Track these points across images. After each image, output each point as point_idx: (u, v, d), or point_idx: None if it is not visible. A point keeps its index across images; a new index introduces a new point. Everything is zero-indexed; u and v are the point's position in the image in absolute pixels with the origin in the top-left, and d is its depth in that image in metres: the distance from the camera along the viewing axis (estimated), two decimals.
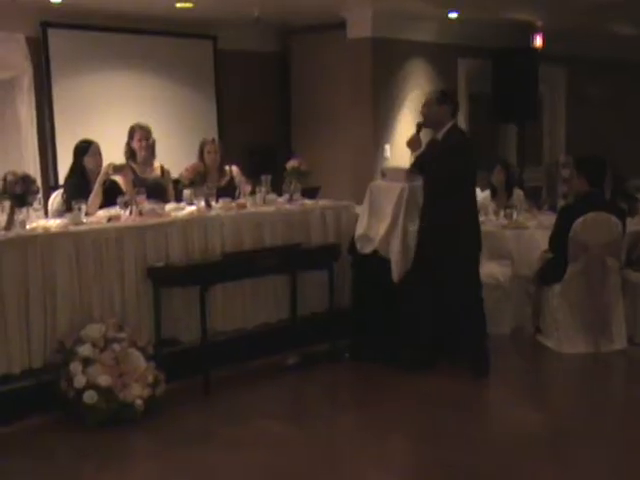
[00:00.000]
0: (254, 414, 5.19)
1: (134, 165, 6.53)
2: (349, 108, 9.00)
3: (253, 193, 6.44)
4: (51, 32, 7.91)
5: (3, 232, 5.05)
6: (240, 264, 5.79)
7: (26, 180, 5.12)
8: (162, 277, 5.49)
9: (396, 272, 5.97)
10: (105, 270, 5.34)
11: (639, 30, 10.48)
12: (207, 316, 5.54)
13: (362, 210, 6.28)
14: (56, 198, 6.40)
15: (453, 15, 8.95)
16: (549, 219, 6.87)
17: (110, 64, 8.26)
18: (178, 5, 7.83)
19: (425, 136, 6.07)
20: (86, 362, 4.96)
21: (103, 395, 4.90)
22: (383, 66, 8.89)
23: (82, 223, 5.41)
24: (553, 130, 11.29)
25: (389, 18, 8.71)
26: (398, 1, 8.17)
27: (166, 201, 6.33)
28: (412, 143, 5.97)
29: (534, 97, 9.80)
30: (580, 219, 6.21)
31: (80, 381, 4.91)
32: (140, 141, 6.52)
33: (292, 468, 4.44)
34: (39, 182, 7.40)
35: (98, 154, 6.18)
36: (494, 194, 7.61)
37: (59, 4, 7.45)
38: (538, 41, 9.94)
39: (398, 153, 9.00)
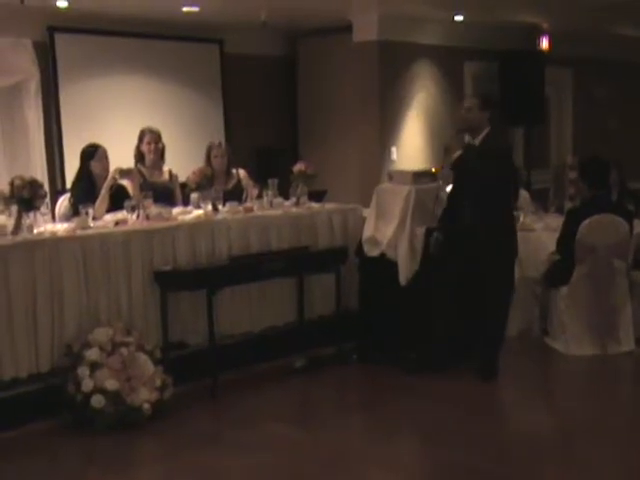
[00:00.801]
0: (262, 417, 5.19)
1: (142, 169, 6.54)
2: (356, 111, 9.00)
3: (260, 197, 6.45)
4: (58, 37, 7.93)
5: (11, 236, 5.06)
6: (247, 268, 5.80)
7: (33, 184, 5.13)
8: (169, 281, 5.50)
9: (403, 275, 5.97)
10: (112, 274, 5.35)
11: None
12: (214, 319, 5.55)
13: (369, 213, 6.28)
14: (63, 202, 6.41)
15: (459, 18, 8.95)
16: (556, 221, 6.86)
17: (117, 68, 8.28)
18: (185, 9, 7.85)
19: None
20: (94, 366, 4.97)
21: (111, 399, 4.91)
22: (389, 69, 8.90)
23: (89, 227, 5.42)
24: (560, 132, 11.27)
25: (395, 21, 8.72)
26: (404, 4, 8.17)
27: (173, 205, 6.34)
28: (451, 149, 5.87)
29: (541, 99, 9.80)
30: (587, 221, 6.20)
31: (88, 385, 4.92)
32: (149, 144, 6.54)
33: (300, 471, 4.45)
34: (46, 186, 7.44)
35: (105, 158, 6.19)
36: None
37: (66, 9, 7.46)
38: (544, 43, 9.93)
39: (405, 156, 9.02)
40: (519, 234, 6.75)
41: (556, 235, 6.48)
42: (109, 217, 5.75)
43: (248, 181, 6.83)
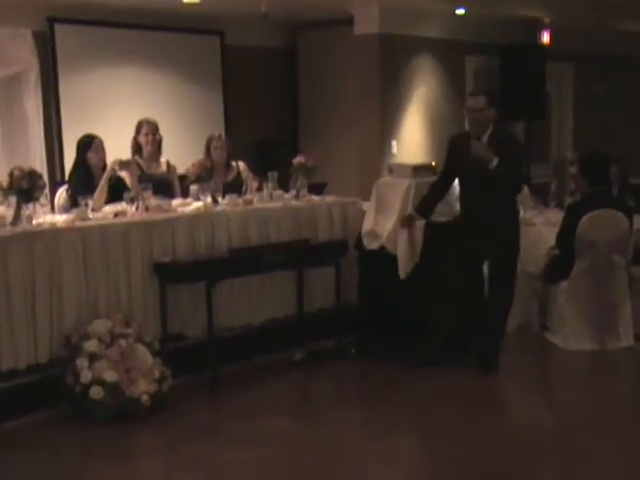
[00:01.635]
0: (261, 410, 5.18)
1: (140, 160, 6.52)
2: (356, 104, 8.98)
3: (260, 189, 6.43)
4: (58, 27, 7.89)
5: (10, 227, 5.05)
6: (246, 260, 5.79)
7: (32, 175, 5.12)
8: (168, 273, 5.49)
9: (403, 268, 5.96)
10: (111, 266, 5.34)
11: None
12: (213, 311, 5.54)
13: (369, 206, 6.27)
14: (62, 194, 6.39)
15: (460, 11, 8.93)
16: (556, 216, 6.86)
17: (117, 59, 8.24)
18: (185, 0, 7.82)
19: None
20: (92, 357, 4.96)
21: (109, 390, 4.91)
22: (390, 62, 8.87)
23: (88, 218, 5.41)
24: (561, 127, 11.26)
25: (396, 14, 8.69)
26: None
27: (172, 197, 6.33)
28: (486, 156, 5.55)
29: (542, 94, 9.78)
30: (587, 216, 6.20)
31: (86, 376, 4.91)
32: (147, 135, 6.51)
33: (299, 464, 4.44)
34: (46, 177, 7.43)
35: (101, 149, 6.18)
36: None
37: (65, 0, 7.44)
38: (546, 38, 9.92)
39: (405, 149, 9.01)
40: None
41: (556, 230, 6.47)
42: (108, 208, 5.73)
43: (248, 173, 6.81)
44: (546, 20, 9.82)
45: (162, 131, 6.64)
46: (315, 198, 6.56)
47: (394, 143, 8.96)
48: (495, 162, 5.46)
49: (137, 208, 5.72)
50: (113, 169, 6.08)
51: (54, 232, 5.14)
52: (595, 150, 6.97)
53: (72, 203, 5.91)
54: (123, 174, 6.20)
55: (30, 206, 5.17)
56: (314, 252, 6.21)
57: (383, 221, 6.11)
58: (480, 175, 5.52)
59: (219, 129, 8.08)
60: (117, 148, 6.42)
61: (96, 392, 4.88)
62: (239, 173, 6.81)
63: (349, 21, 8.85)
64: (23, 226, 5.08)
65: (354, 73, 8.97)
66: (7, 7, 7.30)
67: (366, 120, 8.92)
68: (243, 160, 6.96)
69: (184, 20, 8.47)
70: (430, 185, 5.93)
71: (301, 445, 4.68)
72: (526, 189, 7.85)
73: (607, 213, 6.29)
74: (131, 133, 6.64)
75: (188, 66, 8.77)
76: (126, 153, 6.45)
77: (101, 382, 4.91)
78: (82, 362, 4.94)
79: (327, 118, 9.36)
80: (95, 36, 8.10)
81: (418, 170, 6.19)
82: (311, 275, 6.27)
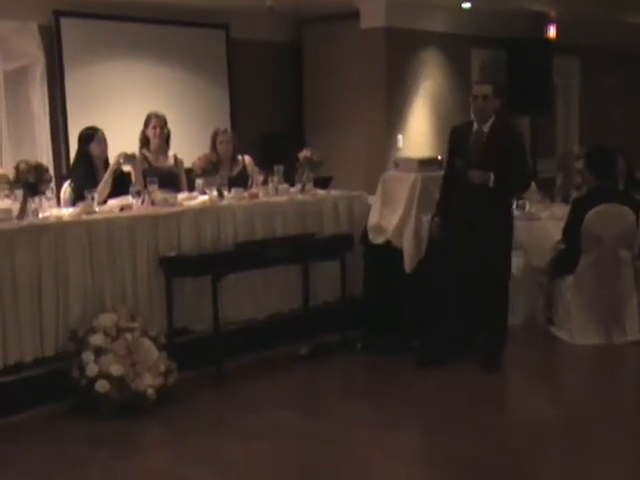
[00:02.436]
0: (266, 403, 5.19)
1: (147, 153, 6.54)
2: (362, 98, 8.97)
3: (265, 183, 6.43)
4: (64, 21, 7.89)
5: (16, 221, 5.06)
6: (252, 254, 5.80)
7: (38, 169, 5.12)
8: (174, 267, 5.49)
9: (408, 262, 5.96)
10: (117, 259, 5.35)
11: None
12: (219, 306, 5.54)
13: (375, 200, 6.27)
14: (67, 188, 6.41)
15: (466, 5, 8.90)
16: (562, 210, 6.85)
17: (122, 53, 8.24)
18: None
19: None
20: (98, 351, 4.97)
21: (115, 384, 4.92)
22: (396, 56, 8.86)
23: (95, 212, 5.41)
24: (567, 121, 11.23)
25: (402, 8, 8.67)
26: None
27: (179, 190, 6.33)
28: (483, 179, 5.55)
29: (548, 88, 9.76)
30: (593, 210, 6.19)
31: (92, 370, 4.92)
32: (155, 129, 6.53)
33: (304, 457, 4.45)
34: (51, 171, 7.44)
35: (103, 141, 6.20)
36: None
37: None
38: (552, 31, 9.89)
39: (411, 143, 9.00)
40: (524, 223, 6.80)
41: (562, 224, 6.46)
42: (114, 202, 5.74)
43: (253, 167, 6.82)
44: (552, 14, 9.79)
45: (168, 125, 6.64)
46: (321, 192, 6.56)
47: (400, 137, 8.95)
48: (492, 179, 5.51)
49: (143, 202, 5.72)
50: (118, 162, 6.09)
51: (60, 226, 5.15)
52: (601, 144, 6.96)
53: (76, 196, 5.92)
54: (127, 168, 6.21)
55: (36, 200, 5.18)
56: (320, 246, 6.21)
57: (389, 215, 6.10)
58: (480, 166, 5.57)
59: (224, 123, 8.09)
60: (123, 142, 6.42)
61: (102, 386, 4.89)
62: (245, 167, 6.81)
63: (355, 15, 8.83)
64: (29, 220, 5.08)
65: (360, 67, 8.95)
66: (13, 1, 7.31)
67: (372, 114, 8.91)
68: (249, 154, 6.96)
69: (190, 14, 8.46)
70: (441, 184, 5.89)
71: (306, 438, 4.69)
72: (532, 183, 7.85)
73: (613, 207, 6.28)
74: (137, 127, 6.65)
75: (194, 60, 8.76)
76: (132, 147, 6.45)
77: (107, 376, 4.91)
78: (88, 356, 4.95)
79: (333, 112, 9.35)
80: (101, 30, 8.09)
81: (424, 164, 6.18)
82: (317, 269, 6.28)
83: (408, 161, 6.40)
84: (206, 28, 8.84)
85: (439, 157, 6.61)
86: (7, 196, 5.25)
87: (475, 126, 5.67)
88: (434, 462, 4.46)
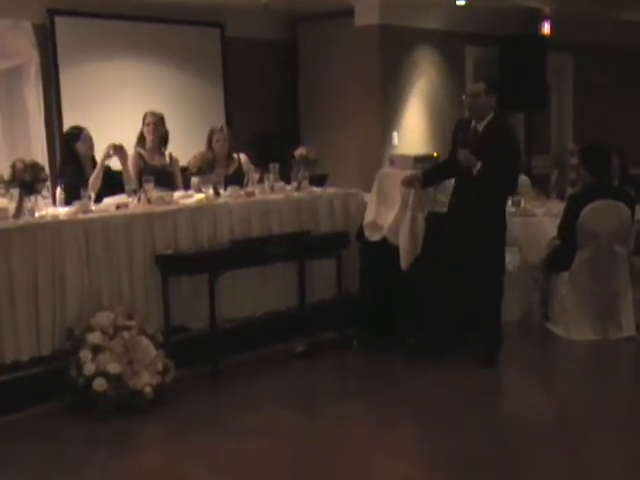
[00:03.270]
0: (263, 402, 5.19)
1: (142, 152, 6.54)
2: (357, 95, 8.98)
3: (261, 181, 6.44)
4: (58, 20, 7.89)
5: (12, 220, 5.05)
6: (248, 252, 5.79)
7: (35, 168, 5.12)
8: (171, 265, 5.50)
9: (404, 259, 5.96)
10: (114, 258, 5.34)
11: None
12: (216, 303, 5.54)
13: (370, 197, 6.28)
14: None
15: (461, 2, 8.91)
16: (557, 207, 6.86)
17: (117, 52, 8.24)
18: None
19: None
20: (96, 350, 4.97)
21: (113, 382, 4.92)
22: (391, 53, 8.87)
23: (91, 211, 5.41)
24: (561, 117, 11.24)
25: (397, 5, 8.68)
26: None
27: (174, 189, 6.34)
28: (470, 161, 5.61)
29: (542, 85, 9.76)
30: (588, 207, 6.20)
31: (90, 368, 4.92)
32: (149, 125, 6.55)
33: (300, 455, 4.45)
34: (47, 170, 7.44)
35: (89, 139, 6.25)
36: None
37: None
38: (546, 28, 9.90)
39: (406, 140, 9.01)
40: (520, 220, 6.81)
41: (557, 221, 6.47)
42: (110, 201, 5.74)
43: (249, 165, 6.83)
44: (546, 10, 9.80)
45: (165, 124, 6.64)
46: (316, 190, 6.57)
47: (395, 134, 8.96)
48: (478, 167, 5.54)
49: (139, 200, 5.72)
50: (108, 153, 6.12)
51: (56, 224, 5.15)
52: (595, 141, 6.97)
53: (67, 196, 5.93)
54: (114, 162, 6.23)
55: (32, 199, 5.18)
56: (316, 244, 6.22)
57: (385, 212, 6.11)
58: (467, 173, 5.59)
59: (220, 121, 8.08)
60: (117, 140, 6.40)
61: (99, 384, 4.89)
62: (240, 165, 6.82)
63: (349, 12, 8.84)
64: (25, 218, 5.08)
65: (355, 64, 8.96)
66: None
67: (367, 111, 8.92)
68: (244, 152, 6.96)
69: (184, 12, 8.46)
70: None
71: (303, 437, 4.69)
72: (527, 179, 7.87)
73: (609, 203, 6.29)
74: (131, 125, 6.70)
75: (189, 58, 8.77)
76: (126, 146, 6.44)
77: (104, 374, 4.91)
78: (85, 354, 4.95)
79: (328, 109, 9.36)
80: (95, 28, 8.10)
81: (419, 161, 6.19)
82: (313, 266, 6.28)
83: (404, 158, 6.40)
84: (201, 26, 8.84)
85: (435, 154, 6.63)
86: (3, 195, 5.24)
87: (473, 123, 5.70)
88: (432, 460, 4.46)
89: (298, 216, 6.26)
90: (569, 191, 7.42)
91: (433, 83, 9.38)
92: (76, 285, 5.17)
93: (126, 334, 5.08)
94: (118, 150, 6.20)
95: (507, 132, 5.89)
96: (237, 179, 6.55)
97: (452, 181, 5.93)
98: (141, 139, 6.58)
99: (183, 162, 6.66)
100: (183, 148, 6.94)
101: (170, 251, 5.55)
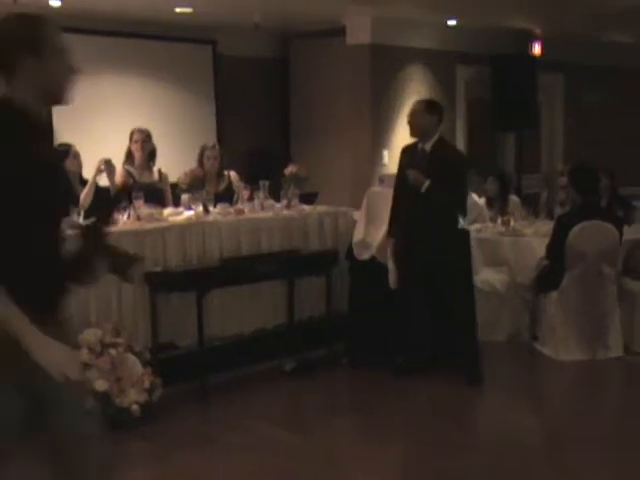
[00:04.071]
0: (251, 419, 5.18)
1: (131, 169, 6.55)
2: (348, 114, 9.01)
3: (251, 199, 6.44)
4: None
5: None
6: (237, 270, 5.80)
7: None
8: (159, 282, 5.48)
9: (393, 279, 5.97)
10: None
11: (637, 38, 10.52)
12: (204, 321, 5.54)
13: (360, 216, 6.29)
14: None
15: (452, 22, 8.97)
16: (546, 226, 6.88)
17: (109, 68, 8.26)
18: (178, 10, 7.85)
19: None
20: (83, 367, 4.95)
21: (99, 400, 4.88)
22: (382, 72, 8.91)
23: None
24: (551, 137, 11.30)
25: (388, 25, 8.73)
26: (397, 8, 8.19)
27: (164, 205, 6.34)
28: (418, 180, 5.69)
29: (533, 104, 9.82)
30: (577, 227, 6.22)
31: None
32: (137, 143, 6.55)
33: (288, 473, 4.44)
34: None
35: (78, 156, 6.27)
36: (489, 203, 7.63)
37: (59, 8, 7.45)
38: (537, 48, 9.97)
39: (396, 159, 9.00)
40: (509, 239, 6.83)
41: (546, 241, 6.49)
42: None
43: (239, 183, 6.83)
44: (537, 31, 9.87)
45: (154, 139, 6.65)
46: (306, 208, 6.56)
47: (385, 153, 8.99)
48: (426, 185, 5.58)
49: (129, 217, 5.72)
50: (100, 168, 6.14)
51: None
52: (584, 161, 7.01)
53: None
54: (102, 179, 6.25)
55: None
56: (305, 262, 6.22)
57: (374, 231, 6.12)
58: (416, 194, 5.63)
59: (211, 138, 8.12)
60: (109, 155, 6.41)
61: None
62: (231, 183, 6.82)
63: (341, 31, 8.88)
64: None
65: (346, 83, 8.99)
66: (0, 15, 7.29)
67: (358, 130, 8.95)
68: (235, 169, 6.97)
69: (177, 29, 8.50)
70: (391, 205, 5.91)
71: (290, 454, 4.68)
72: (517, 199, 7.91)
73: (597, 224, 6.31)
74: (122, 141, 6.67)
75: (181, 75, 8.80)
76: (117, 162, 6.45)
77: (91, 391, 4.89)
78: None
79: (319, 127, 9.39)
80: (87, 45, 8.06)
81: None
82: (302, 284, 6.28)
83: (393, 177, 6.40)
84: (193, 43, 8.88)
85: None
86: None
87: (420, 145, 5.75)
88: (417, 478, 4.47)
89: (287, 234, 6.26)
90: (558, 211, 7.46)
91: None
92: None
93: (113, 351, 5.07)
94: (106, 165, 6.21)
95: (455, 151, 5.98)
96: (227, 197, 6.55)
97: None
98: (129, 156, 6.59)
99: (174, 178, 6.67)
100: (174, 164, 6.94)
101: (159, 268, 5.54)
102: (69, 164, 6.19)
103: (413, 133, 5.84)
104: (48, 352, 2.47)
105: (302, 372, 5.99)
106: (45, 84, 2.59)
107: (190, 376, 5.51)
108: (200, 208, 6.02)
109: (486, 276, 6.67)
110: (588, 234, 6.25)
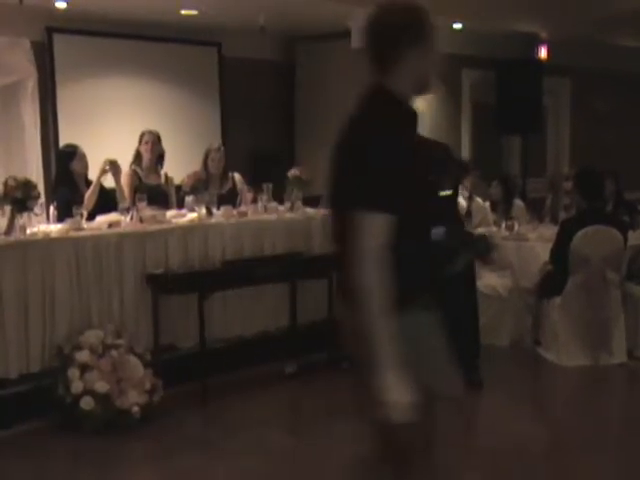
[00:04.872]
0: (252, 422, 5.18)
1: (139, 170, 6.56)
2: None
3: (255, 201, 6.44)
4: (56, 37, 7.93)
5: (3, 236, 5.06)
6: (239, 272, 5.80)
7: (27, 185, 5.13)
8: (161, 284, 5.49)
9: None
10: (104, 276, 5.34)
11: None
12: (206, 323, 5.54)
13: None
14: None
15: (458, 26, 8.96)
16: (550, 231, 6.85)
17: (114, 70, 8.27)
18: (183, 12, 7.85)
19: None
20: (84, 368, 4.96)
21: (100, 401, 4.91)
22: None
23: (82, 229, 5.42)
24: (557, 141, 11.28)
25: None
26: None
27: (168, 207, 6.34)
28: None
29: (538, 108, 9.80)
30: (581, 232, 6.20)
31: (77, 387, 4.91)
32: (147, 144, 6.57)
33: (289, 477, 4.44)
34: (42, 187, 7.44)
35: (84, 157, 6.26)
36: (494, 206, 7.61)
37: (65, 10, 7.47)
38: (543, 52, 9.95)
39: None
40: (513, 244, 6.81)
41: (550, 245, 6.47)
42: (103, 219, 5.73)
43: (243, 185, 6.83)
44: (544, 35, 9.86)
45: (161, 143, 6.67)
46: (309, 210, 6.55)
47: None
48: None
49: (132, 218, 5.73)
50: (104, 168, 6.15)
51: (47, 242, 5.15)
52: (589, 166, 6.99)
53: (61, 215, 5.93)
54: (108, 180, 6.25)
55: (24, 216, 5.18)
56: (307, 265, 6.20)
57: None
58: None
59: (216, 140, 8.10)
60: (112, 157, 6.42)
61: (87, 402, 4.88)
62: (235, 185, 6.83)
63: (346, 34, 8.86)
64: (16, 235, 5.08)
65: (351, 86, 8.88)
66: (6, 16, 7.32)
67: None
68: (239, 172, 6.98)
69: (182, 31, 8.50)
70: None
71: (289, 458, 4.68)
72: (521, 203, 7.89)
73: (601, 229, 6.29)
74: (128, 143, 6.70)
75: (185, 77, 8.79)
76: (122, 163, 6.46)
77: (92, 393, 4.90)
78: (73, 372, 4.94)
79: (324, 130, 9.29)
80: (93, 46, 8.13)
81: None
82: (304, 287, 6.26)
83: None
84: (198, 46, 8.87)
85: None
86: None
87: None
88: None
89: (290, 237, 6.26)
90: (563, 216, 7.43)
91: (429, 105, 9.39)
92: (66, 303, 5.17)
93: (114, 353, 5.08)
94: (112, 165, 6.22)
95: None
96: (231, 198, 6.55)
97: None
98: (137, 157, 6.60)
99: (178, 180, 6.67)
100: (178, 166, 6.96)
101: (161, 270, 5.54)
102: (75, 165, 6.21)
103: None
104: (394, 395, 2.50)
105: (303, 375, 5.98)
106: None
107: (191, 378, 5.51)
108: (203, 210, 6.02)
109: (489, 280, 6.65)
110: (592, 239, 6.23)
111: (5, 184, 5.09)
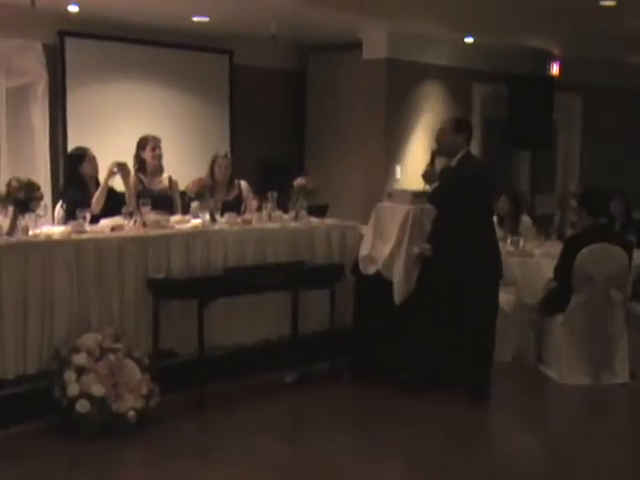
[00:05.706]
0: (249, 431, 5.15)
1: (142, 176, 6.56)
2: (362, 127, 9.00)
3: (260, 209, 6.43)
4: (68, 41, 7.96)
5: (5, 237, 5.06)
6: (241, 280, 5.78)
7: (30, 186, 5.13)
8: (161, 289, 5.48)
9: (398, 294, 5.94)
10: (105, 279, 5.33)
11: None
12: (206, 330, 5.52)
13: (367, 231, 6.26)
14: (60, 209, 6.42)
15: (469, 40, 8.95)
16: (556, 248, 6.81)
17: (125, 75, 8.30)
18: (195, 19, 7.87)
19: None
20: (80, 371, 4.95)
21: (96, 405, 4.89)
22: (397, 87, 8.90)
23: (85, 231, 5.41)
24: (567, 158, 11.25)
25: (405, 40, 8.73)
26: (414, 24, 8.18)
27: (172, 212, 6.34)
28: (427, 176, 6.00)
29: (549, 124, 9.78)
30: (585, 250, 6.16)
31: (73, 390, 4.90)
32: (153, 150, 6.56)
33: None
34: (49, 189, 7.48)
35: (94, 160, 6.26)
36: (501, 222, 7.58)
37: (77, 14, 7.50)
38: (555, 69, 9.93)
39: (409, 174, 9.00)
40: (518, 260, 6.78)
41: (555, 262, 6.43)
42: (106, 222, 5.74)
43: (249, 193, 6.83)
44: (556, 52, 9.85)
45: (167, 147, 6.71)
46: (314, 220, 6.54)
47: (398, 168, 8.97)
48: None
49: (135, 223, 5.73)
50: (112, 170, 6.15)
51: (48, 244, 5.15)
52: (598, 183, 6.96)
53: (69, 217, 5.93)
54: (117, 183, 6.24)
55: (27, 217, 5.18)
56: (309, 275, 6.19)
57: (380, 246, 6.08)
58: (454, 203, 5.76)
59: (225, 147, 8.11)
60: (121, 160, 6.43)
61: (82, 406, 4.87)
62: (241, 192, 6.82)
63: (358, 45, 8.89)
64: (18, 236, 5.08)
65: (361, 97, 8.99)
66: (19, 19, 7.36)
67: (371, 144, 8.94)
68: (248, 179, 6.97)
69: (194, 38, 8.52)
70: None
71: (286, 467, 4.66)
72: (528, 219, 7.85)
73: (606, 247, 6.26)
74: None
75: (196, 83, 8.81)
76: (131, 167, 6.47)
77: (88, 396, 4.89)
78: (70, 375, 4.93)
79: (333, 140, 9.38)
80: (105, 51, 8.16)
81: (418, 197, 6.16)
82: (306, 297, 6.24)
83: (402, 193, 6.38)
84: (210, 53, 8.90)
85: None
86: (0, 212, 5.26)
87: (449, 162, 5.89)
88: None
89: (293, 246, 6.24)
90: (569, 233, 7.39)
91: (439, 118, 9.34)
92: (65, 305, 5.16)
93: (112, 357, 5.06)
94: (121, 167, 6.22)
95: (475, 163, 6.00)
96: (237, 206, 6.56)
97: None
98: (141, 163, 6.59)
99: (184, 186, 6.67)
100: (185, 172, 6.95)
101: (162, 275, 5.53)
102: (85, 168, 6.22)
103: (438, 152, 6.00)
104: None
105: (303, 385, 5.96)
106: None
107: (189, 384, 5.49)
108: (207, 216, 6.01)
109: None
110: (596, 257, 6.19)
111: (8, 185, 5.10)
